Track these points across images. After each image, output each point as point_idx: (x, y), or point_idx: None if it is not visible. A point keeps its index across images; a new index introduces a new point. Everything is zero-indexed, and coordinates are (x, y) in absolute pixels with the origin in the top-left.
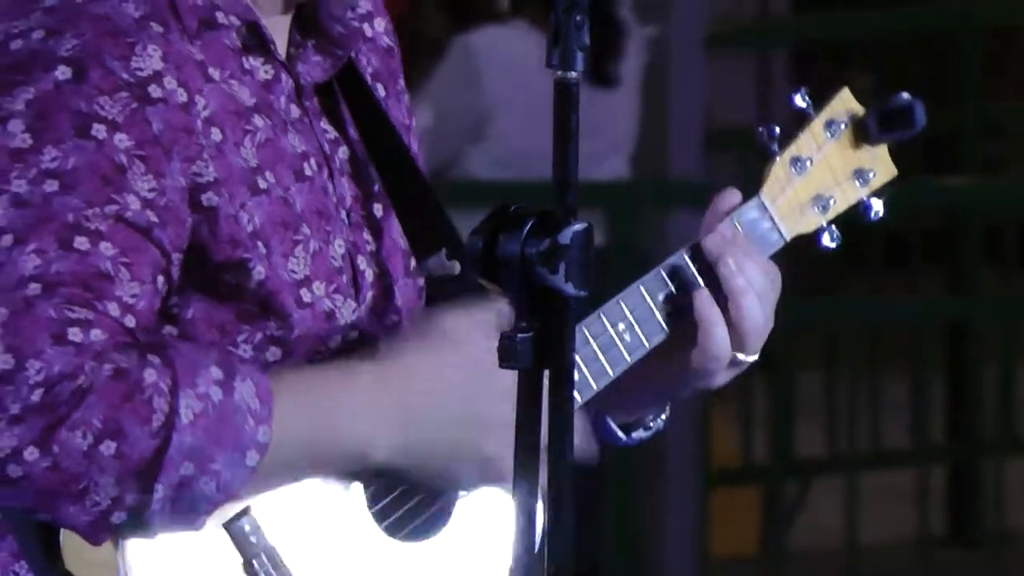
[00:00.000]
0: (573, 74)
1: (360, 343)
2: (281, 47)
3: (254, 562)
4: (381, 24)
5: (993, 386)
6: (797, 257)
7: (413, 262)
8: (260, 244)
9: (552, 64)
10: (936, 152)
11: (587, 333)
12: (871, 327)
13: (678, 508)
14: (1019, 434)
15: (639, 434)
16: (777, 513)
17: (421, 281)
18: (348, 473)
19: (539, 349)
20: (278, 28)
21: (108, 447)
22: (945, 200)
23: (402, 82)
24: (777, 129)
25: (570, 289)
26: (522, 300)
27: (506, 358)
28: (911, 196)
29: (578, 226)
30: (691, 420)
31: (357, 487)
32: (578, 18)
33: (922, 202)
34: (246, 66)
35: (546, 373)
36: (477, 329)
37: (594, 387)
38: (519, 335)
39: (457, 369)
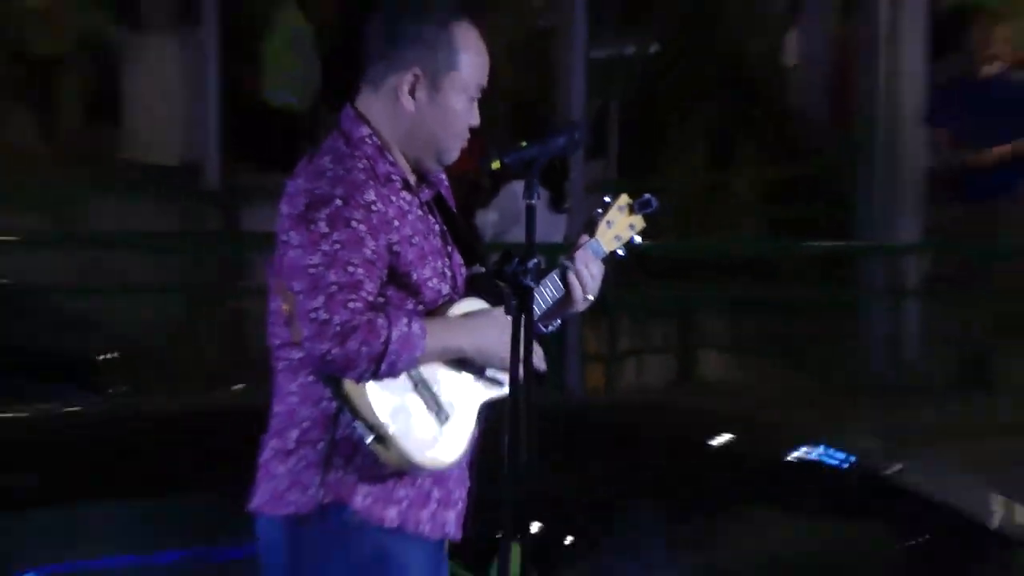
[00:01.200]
0: (533, 201)
1: (448, 304)
2: None
3: (419, 384)
4: (443, 174)
5: (710, 332)
6: (616, 271)
7: (463, 270)
8: (415, 265)
9: (525, 196)
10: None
11: (536, 295)
12: (647, 306)
13: (573, 371)
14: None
15: (550, 329)
16: (610, 374)
17: (464, 277)
18: (454, 359)
19: (519, 309)
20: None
21: (364, 350)
22: (677, 249)
23: (453, 199)
24: (600, 210)
25: (533, 285)
26: (513, 290)
27: (507, 313)
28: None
29: (535, 260)
30: (576, 337)
31: (458, 364)
32: (535, 178)
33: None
34: (401, 196)
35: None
36: (501, 314)
37: (538, 314)
38: (512, 303)
39: (495, 324)
